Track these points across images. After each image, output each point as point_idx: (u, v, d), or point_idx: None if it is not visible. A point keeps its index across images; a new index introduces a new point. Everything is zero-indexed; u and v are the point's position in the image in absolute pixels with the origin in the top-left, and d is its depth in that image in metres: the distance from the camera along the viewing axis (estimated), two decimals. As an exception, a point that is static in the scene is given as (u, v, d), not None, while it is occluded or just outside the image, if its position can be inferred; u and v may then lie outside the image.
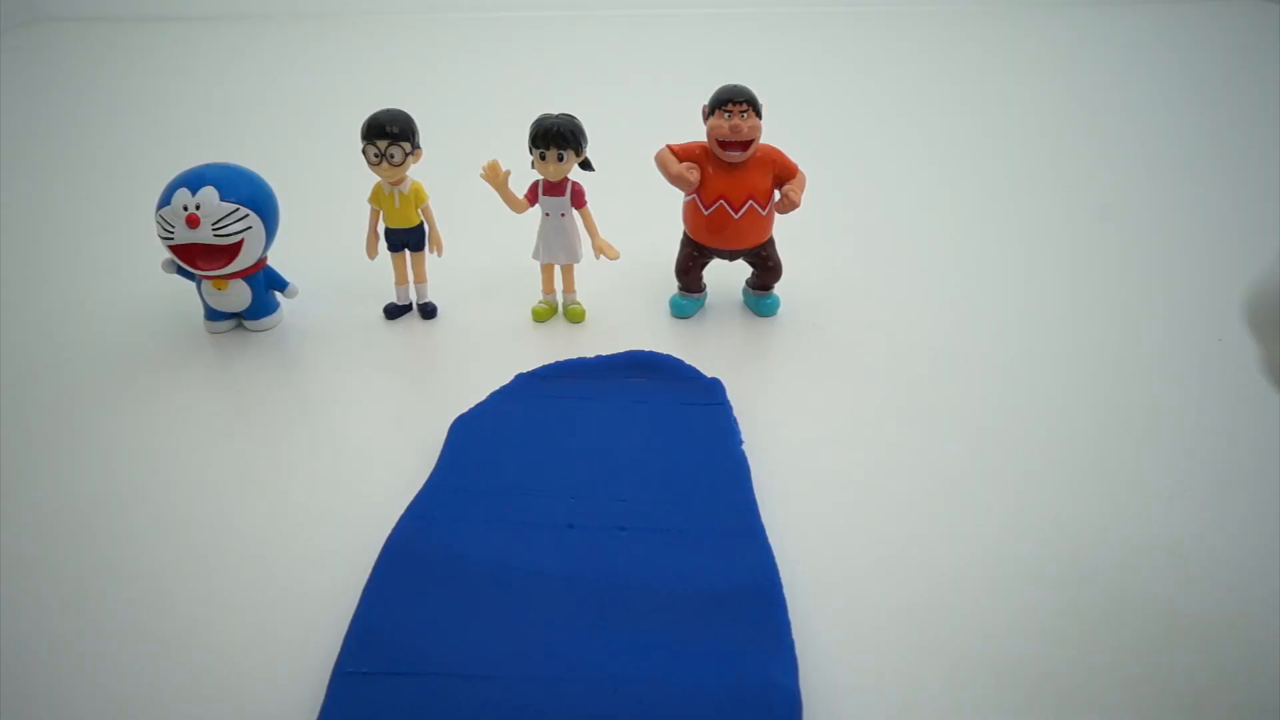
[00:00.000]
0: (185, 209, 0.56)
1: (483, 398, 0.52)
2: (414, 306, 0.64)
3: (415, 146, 0.59)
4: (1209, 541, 0.42)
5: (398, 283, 0.63)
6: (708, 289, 0.65)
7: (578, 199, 0.59)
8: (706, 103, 0.57)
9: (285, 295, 0.63)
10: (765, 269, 0.62)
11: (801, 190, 0.59)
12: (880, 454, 0.49)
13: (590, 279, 0.65)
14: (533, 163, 0.58)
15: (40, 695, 0.35)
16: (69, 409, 0.54)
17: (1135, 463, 0.48)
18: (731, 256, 0.62)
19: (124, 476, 0.48)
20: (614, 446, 0.47)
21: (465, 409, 0.50)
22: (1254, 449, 0.49)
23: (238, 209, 0.57)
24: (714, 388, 0.52)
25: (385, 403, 0.54)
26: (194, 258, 0.57)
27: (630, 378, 0.54)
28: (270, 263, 0.61)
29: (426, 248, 0.62)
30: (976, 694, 0.35)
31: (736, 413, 0.50)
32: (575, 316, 0.63)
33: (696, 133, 0.59)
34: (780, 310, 0.64)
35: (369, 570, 0.39)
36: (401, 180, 0.60)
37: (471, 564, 0.39)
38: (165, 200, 0.57)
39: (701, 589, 0.38)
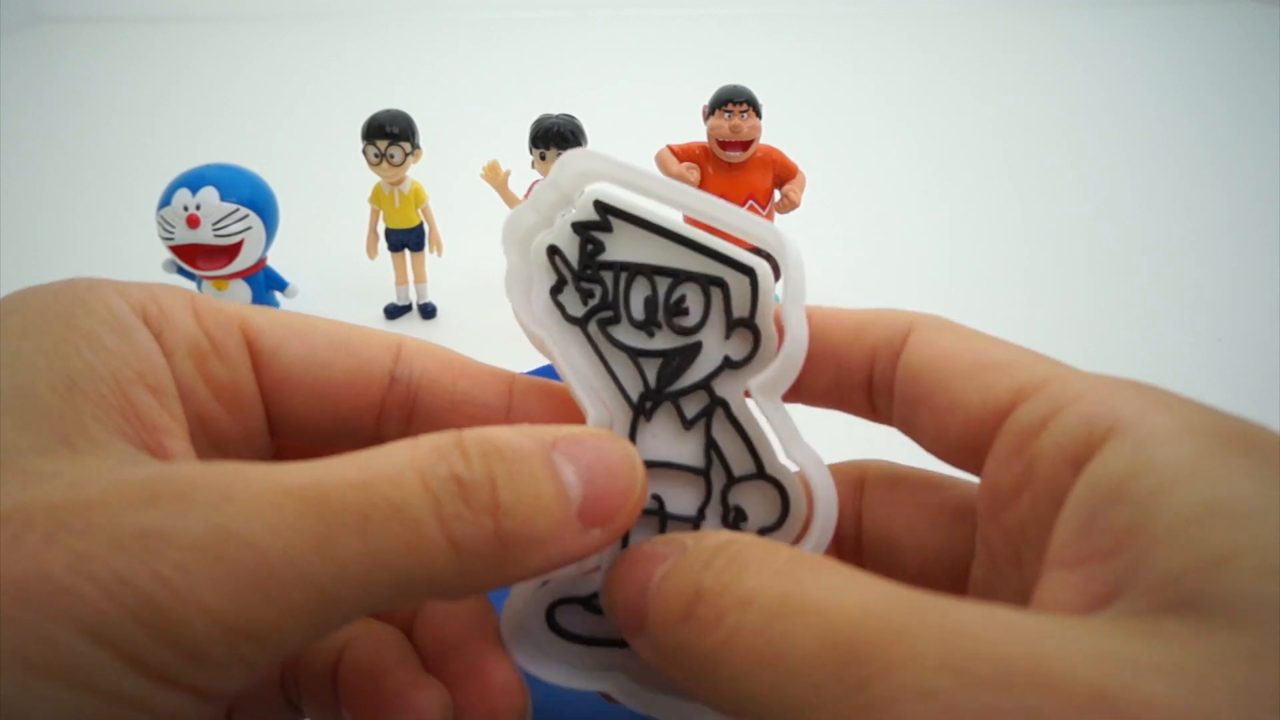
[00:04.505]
0: (185, 209, 0.56)
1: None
2: (414, 306, 0.64)
3: (415, 146, 0.59)
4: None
5: (398, 283, 0.63)
6: (708, 289, 0.65)
7: (578, 199, 0.59)
8: (707, 103, 0.57)
9: (285, 295, 0.63)
10: (765, 269, 0.62)
11: (801, 190, 0.59)
12: (880, 453, 0.49)
13: (590, 279, 0.65)
14: (533, 162, 0.58)
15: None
16: (69, 409, 0.54)
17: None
18: (731, 256, 0.62)
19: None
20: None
21: (465, 409, 0.50)
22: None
23: (238, 209, 0.57)
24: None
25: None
26: (194, 258, 0.57)
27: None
28: (270, 263, 0.61)
29: (426, 248, 0.62)
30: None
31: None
32: (575, 316, 0.63)
33: (697, 133, 0.59)
34: (780, 310, 0.64)
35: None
36: (401, 180, 0.60)
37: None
38: (166, 200, 0.57)
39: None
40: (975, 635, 0.12)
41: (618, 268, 0.20)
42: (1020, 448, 0.16)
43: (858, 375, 0.21)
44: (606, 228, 0.20)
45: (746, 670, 0.14)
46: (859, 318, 0.20)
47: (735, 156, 0.57)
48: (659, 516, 0.20)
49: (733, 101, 0.56)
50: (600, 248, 0.20)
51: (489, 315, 0.63)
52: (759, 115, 0.57)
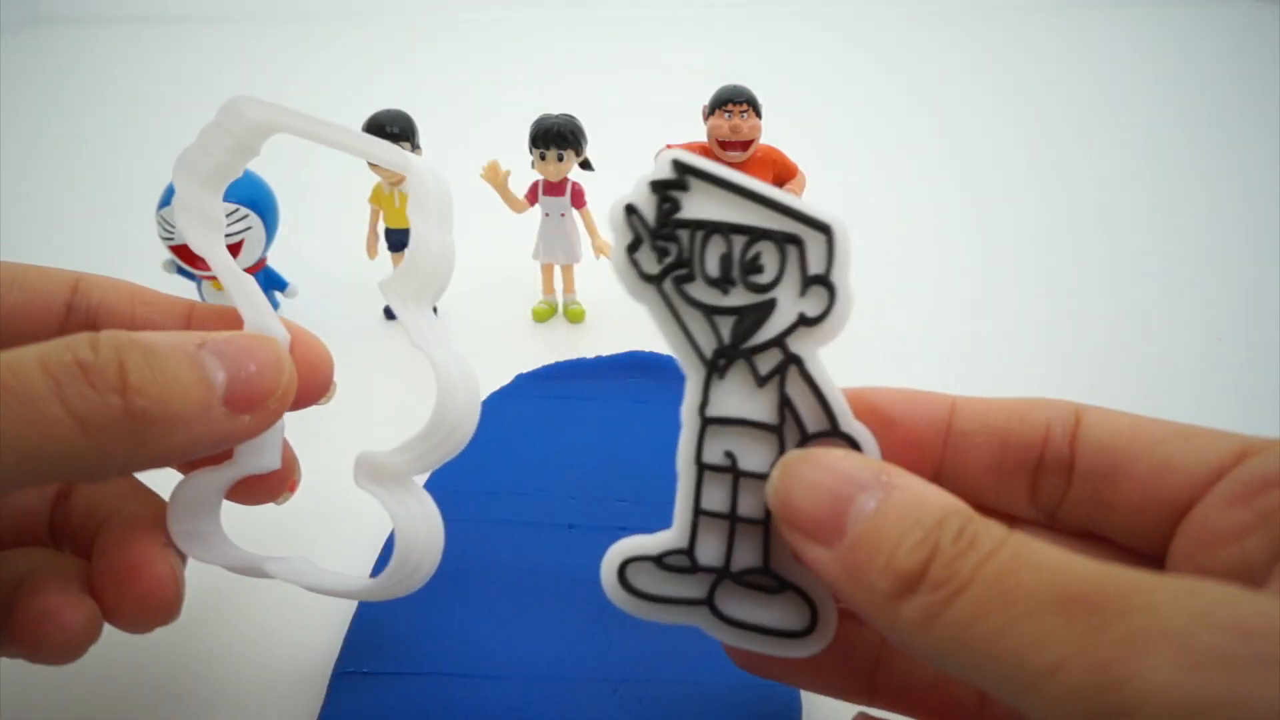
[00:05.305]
0: (185, 209, 0.56)
1: (483, 398, 0.51)
2: (414, 306, 0.64)
3: (415, 146, 0.59)
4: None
5: (398, 283, 0.63)
6: (708, 289, 0.65)
7: (578, 199, 0.59)
8: (707, 103, 0.57)
9: (285, 295, 0.63)
10: (765, 269, 0.62)
11: (802, 190, 0.59)
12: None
13: (590, 279, 0.65)
14: (533, 163, 0.58)
15: (40, 694, 0.35)
16: (69, 409, 0.54)
17: (1135, 463, 0.48)
18: (731, 256, 0.62)
19: (124, 476, 0.48)
20: (614, 446, 0.47)
21: (465, 409, 0.50)
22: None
23: (238, 209, 0.57)
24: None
25: (385, 403, 0.54)
26: (194, 258, 0.57)
27: (630, 378, 0.54)
28: (270, 263, 0.61)
29: (426, 248, 0.62)
30: None
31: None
32: (575, 316, 0.63)
33: (697, 133, 0.59)
34: (780, 310, 0.64)
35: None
36: (402, 180, 0.60)
37: (471, 564, 0.39)
38: (165, 200, 0.57)
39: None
40: (1212, 592, 0.13)
41: (694, 226, 0.20)
42: (1248, 496, 0.18)
43: (1027, 454, 0.20)
44: (684, 186, 0.20)
45: (975, 616, 0.14)
46: (1017, 403, 0.21)
47: (735, 156, 0.57)
48: (732, 474, 0.21)
49: (733, 101, 0.56)
50: (676, 206, 0.21)
51: (489, 315, 0.63)
52: (759, 115, 0.57)
